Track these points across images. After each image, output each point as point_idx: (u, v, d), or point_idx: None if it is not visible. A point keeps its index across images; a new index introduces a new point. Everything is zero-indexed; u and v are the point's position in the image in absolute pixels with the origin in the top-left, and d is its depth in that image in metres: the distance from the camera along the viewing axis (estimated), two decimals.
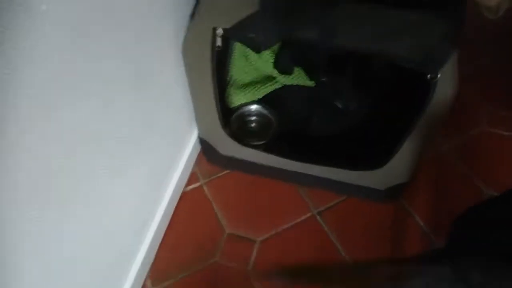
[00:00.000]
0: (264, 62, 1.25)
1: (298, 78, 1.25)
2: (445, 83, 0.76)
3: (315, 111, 1.24)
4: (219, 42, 0.83)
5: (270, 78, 1.26)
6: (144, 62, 0.78)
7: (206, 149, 1.19)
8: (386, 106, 1.12)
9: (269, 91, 1.24)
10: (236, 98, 1.22)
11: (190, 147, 1.16)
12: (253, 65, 1.26)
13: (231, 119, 1.20)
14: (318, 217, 1.11)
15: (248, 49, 1.21)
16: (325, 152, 1.14)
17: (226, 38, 0.82)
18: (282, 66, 1.23)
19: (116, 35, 0.65)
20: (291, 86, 1.25)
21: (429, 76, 0.76)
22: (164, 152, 1.00)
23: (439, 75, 0.75)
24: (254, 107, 1.23)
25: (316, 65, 1.20)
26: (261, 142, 1.17)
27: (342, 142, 1.17)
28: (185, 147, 1.15)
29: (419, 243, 1.06)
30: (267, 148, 1.13)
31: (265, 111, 1.23)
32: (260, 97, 1.23)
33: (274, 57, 1.24)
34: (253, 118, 1.24)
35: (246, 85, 1.24)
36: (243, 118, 1.23)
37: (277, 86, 1.24)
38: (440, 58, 0.73)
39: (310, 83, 1.25)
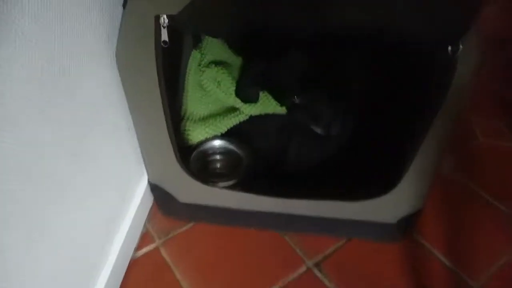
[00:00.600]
0: (224, 90, 1.05)
1: (266, 105, 1.05)
2: (469, 56, 0.58)
3: (290, 141, 1.03)
4: (164, 35, 0.61)
5: (233, 109, 1.05)
6: (63, 75, 0.55)
7: (161, 198, 0.92)
8: (381, 117, 0.93)
9: (234, 124, 1.03)
10: (195, 134, 0.99)
11: (138, 199, 0.89)
12: (211, 96, 1.05)
13: (190, 160, 0.96)
14: (316, 271, 0.85)
15: (204, 76, 1.01)
16: (312, 183, 0.91)
17: (174, 31, 0.61)
18: (245, 93, 1.03)
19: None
20: (260, 115, 1.05)
21: (449, 49, 0.58)
22: (99, 209, 0.73)
23: (461, 47, 0.57)
24: (217, 143, 1.00)
25: (286, 86, 1.00)
26: (231, 182, 0.92)
27: (332, 170, 0.95)
28: (131, 199, 0.88)
29: (446, 285, 0.82)
30: (239, 187, 0.88)
31: (231, 146, 1.00)
32: (224, 131, 1.01)
33: (234, 84, 1.04)
34: (218, 156, 1.01)
35: (205, 118, 1.02)
36: (205, 157, 1.00)
37: (242, 118, 1.03)
38: (462, 25, 0.56)
39: (281, 110, 1.05)
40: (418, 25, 0.56)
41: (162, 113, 0.74)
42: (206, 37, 1.11)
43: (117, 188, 0.81)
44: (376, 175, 0.86)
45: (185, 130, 0.99)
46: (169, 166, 0.84)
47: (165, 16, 0.60)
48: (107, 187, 0.75)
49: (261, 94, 1.05)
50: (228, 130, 1.02)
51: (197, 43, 1.11)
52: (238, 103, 1.03)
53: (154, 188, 0.91)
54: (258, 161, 0.99)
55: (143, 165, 0.90)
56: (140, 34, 0.62)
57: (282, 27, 0.64)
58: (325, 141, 1.02)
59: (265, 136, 1.04)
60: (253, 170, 0.97)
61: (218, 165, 1.00)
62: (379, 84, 0.94)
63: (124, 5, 0.61)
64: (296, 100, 1.01)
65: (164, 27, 0.61)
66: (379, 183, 0.83)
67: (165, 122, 0.76)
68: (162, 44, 0.62)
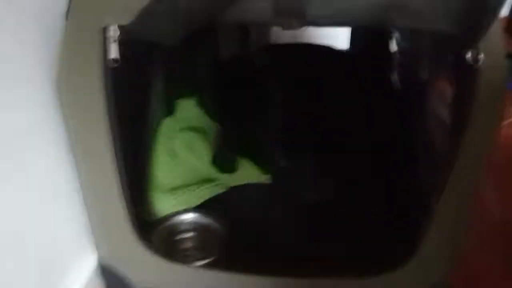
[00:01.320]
0: (199, 158, 0.91)
1: (248, 174, 0.91)
2: (491, 64, 0.47)
3: (276, 211, 0.86)
4: (114, 52, 0.49)
5: (209, 180, 0.90)
6: None
7: (114, 285, 0.71)
8: (384, 171, 0.79)
9: (210, 196, 0.87)
10: (162, 206, 0.82)
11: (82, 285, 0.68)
12: (183, 164, 0.91)
13: (152, 236, 0.78)
14: None
15: (177, 142, 0.88)
16: (305, 259, 0.73)
17: (126, 44, 0.50)
18: (222, 161, 0.90)
19: None
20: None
21: (469, 54, 0.46)
22: None
23: (482, 55, 0.46)
24: (189, 216, 0.83)
25: (268, 147, 0.87)
26: (206, 261, 0.73)
27: (329, 242, 0.77)
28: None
29: None
30: (217, 267, 0.69)
31: (206, 220, 0.83)
32: (197, 204, 0.85)
33: (211, 151, 0.91)
34: (190, 234, 0.83)
35: (175, 189, 0.86)
36: (173, 234, 0.81)
37: (220, 189, 0.88)
38: (480, 23, 0.45)
39: (265, 178, 0.90)
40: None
41: (114, 167, 0.59)
42: (180, 102, 1.00)
43: (49, 274, 0.61)
44: (387, 243, 0.69)
45: (149, 201, 0.82)
46: (125, 242, 0.66)
47: (114, 27, 0.48)
48: (36, 274, 0.56)
49: (243, 161, 0.91)
50: (203, 202, 0.86)
51: (170, 111, 1.00)
52: (215, 173, 0.89)
53: (105, 270, 0.70)
54: (240, 236, 0.80)
55: (91, 241, 0.71)
56: (86, 52, 0.50)
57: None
58: (317, 208, 0.85)
59: (247, 208, 0.87)
60: (233, 247, 0.78)
61: (190, 244, 0.81)
62: (378, 129, 0.82)
63: (66, 15, 0.49)
64: (281, 162, 0.87)
65: (113, 42, 0.49)
66: (391, 254, 0.66)
67: (117, 181, 0.60)
68: (111, 63, 0.50)
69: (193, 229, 0.82)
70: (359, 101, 0.99)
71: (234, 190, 0.89)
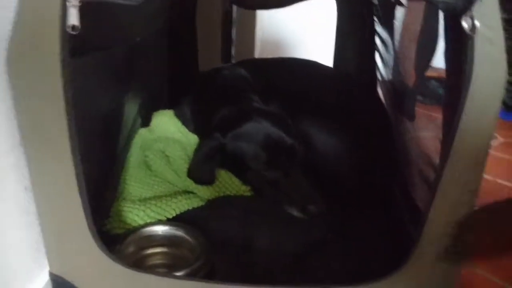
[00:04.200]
0: (174, 169, 0.84)
1: (227, 186, 0.84)
2: (488, 35, 0.43)
3: (259, 228, 0.78)
4: (73, 19, 0.44)
5: (185, 192, 0.83)
6: None
7: None
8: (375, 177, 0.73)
9: (186, 209, 0.79)
10: (132, 217, 0.74)
11: None
12: (157, 176, 0.84)
13: (118, 249, 0.69)
14: None
15: (150, 152, 0.82)
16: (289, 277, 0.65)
17: (87, 13, 0.44)
18: (199, 173, 0.83)
19: None
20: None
21: (465, 22, 0.42)
22: None
23: (476, 23, 0.42)
24: (161, 229, 0.74)
25: (250, 158, 0.81)
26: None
27: (317, 260, 0.70)
28: None
29: None
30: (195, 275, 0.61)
31: (180, 234, 0.74)
32: (171, 216, 0.77)
33: (187, 162, 0.85)
34: (160, 249, 0.74)
35: (148, 199, 0.79)
36: (142, 247, 0.72)
37: (196, 203, 0.80)
38: None
39: (246, 190, 0.84)
40: None
41: (71, 162, 0.52)
42: (157, 113, 0.95)
43: None
44: (377, 254, 0.62)
45: (118, 211, 0.74)
46: (85, 255, 0.58)
47: None
48: None
49: (221, 173, 0.85)
50: (177, 215, 0.78)
51: (146, 123, 0.95)
52: (191, 185, 0.82)
53: (59, 284, 0.61)
54: (217, 253, 0.72)
55: (44, 254, 0.62)
56: (43, 20, 0.45)
57: None
58: (303, 225, 0.78)
59: (226, 223, 0.79)
60: (211, 265, 0.69)
61: (160, 259, 0.73)
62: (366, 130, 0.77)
63: None
64: (265, 172, 0.81)
65: (73, 7, 0.44)
66: (383, 261, 0.59)
67: (76, 185, 0.53)
68: (70, 30, 0.44)
69: (165, 244, 0.73)
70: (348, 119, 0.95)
71: (212, 203, 0.82)
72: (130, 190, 0.80)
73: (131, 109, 0.86)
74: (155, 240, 0.73)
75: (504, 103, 0.46)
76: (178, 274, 0.64)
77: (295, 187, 0.80)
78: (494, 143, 1.20)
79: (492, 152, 1.20)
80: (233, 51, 1.17)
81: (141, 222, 0.74)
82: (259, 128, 0.82)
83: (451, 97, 0.49)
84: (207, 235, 0.73)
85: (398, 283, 0.54)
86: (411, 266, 0.53)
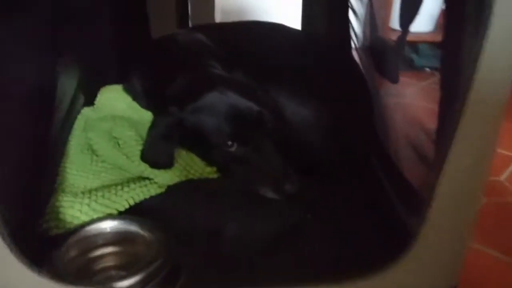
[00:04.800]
0: (125, 153, 0.72)
1: (189, 169, 0.73)
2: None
3: (227, 216, 0.68)
4: None
5: (139, 179, 0.71)
6: None
7: None
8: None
9: (140, 199, 0.67)
10: (73, 213, 0.61)
11: None
12: (104, 161, 0.71)
13: (57, 254, 0.56)
14: None
15: (94, 133, 0.69)
16: (270, 270, 0.55)
17: None
18: (155, 154, 0.71)
19: None
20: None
21: None
22: None
23: None
24: (110, 225, 0.62)
25: (213, 132, 0.70)
26: (133, 281, 0.53)
27: (300, 248, 0.60)
28: None
29: None
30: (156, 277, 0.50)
31: (133, 230, 0.62)
32: (123, 208, 0.65)
33: (141, 144, 0.72)
34: (110, 249, 0.62)
35: (93, 190, 0.66)
36: (87, 249, 0.60)
37: (153, 191, 0.69)
38: None
39: (211, 172, 0.73)
40: None
41: None
42: (103, 90, 0.81)
43: None
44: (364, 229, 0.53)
45: (55, 206, 0.61)
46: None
47: None
48: None
49: (182, 154, 0.73)
50: (131, 207, 0.66)
51: (90, 101, 0.81)
52: (146, 170, 0.70)
53: None
54: (180, 251, 0.61)
55: None
56: None
57: None
58: (279, 207, 0.68)
59: (190, 212, 0.68)
60: (173, 262, 0.58)
61: (111, 261, 0.61)
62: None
63: None
64: (232, 149, 0.69)
65: None
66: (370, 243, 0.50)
67: None
68: None
69: (116, 243, 0.61)
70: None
71: (172, 190, 0.70)
72: (71, 181, 0.67)
73: (67, 84, 0.72)
74: (103, 239, 0.61)
75: None
76: (134, 278, 0.53)
77: (267, 163, 0.70)
78: None
79: None
80: (190, 15, 1.03)
81: (86, 219, 0.61)
82: (222, 98, 0.70)
83: (455, 53, 0.39)
84: (168, 227, 0.62)
85: (395, 278, 0.45)
86: (412, 259, 0.43)
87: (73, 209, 0.61)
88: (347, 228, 0.65)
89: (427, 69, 1.68)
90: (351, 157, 0.79)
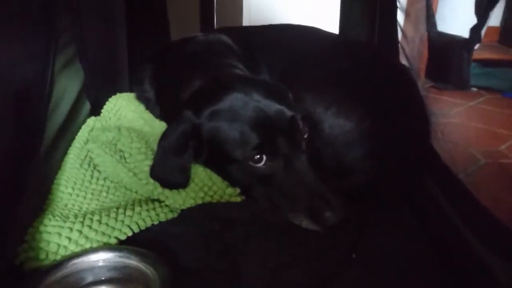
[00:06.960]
0: (131, 168, 0.60)
1: (207, 190, 0.60)
2: None
3: (252, 254, 0.54)
4: None
5: (146, 201, 0.58)
6: None
7: None
8: None
9: (147, 226, 0.55)
10: (58, 240, 0.50)
11: None
12: (104, 178, 0.60)
13: None
14: None
15: (96, 144, 0.58)
16: None
17: None
18: (167, 171, 0.59)
19: None
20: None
21: None
22: None
23: None
24: (101, 257, 0.49)
25: (238, 146, 0.57)
26: None
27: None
28: None
29: None
30: None
31: (131, 263, 0.49)
32: (123, 238, 0.53)
33: (151, 158, 0.60)
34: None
35: (87, 215, 0.54)
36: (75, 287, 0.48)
37: (162, 217, 0.56)
38: None
39: (233, 194, 0.59)
40: None
41: None
42: (112, 98, 0.71)
43: None
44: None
45: (38, 231, 0.49)
46: None
47: None
48: None
49: (198, 170, 0.60)
50: (135, 235, 0.53)
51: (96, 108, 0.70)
52: (155, 190, 0.58)
53: None
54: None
55: None
56: None
57: None
58: (317, 241, 0.54)
59: (205, 244, 0.55)
60: None
61: None
62: None
63: None
64: (259, 164, 0.56)
65: None
66: None
67: None
68: None
69: (110, 281, 0.49)
70: None
71: (185, 216, 0.58)
72: (65, 201, 0.55)
73: (68, 87, 0.62)
74: (94, 276, 0.48)
75: None
76: None
77: (303, 183, 0.56)
78: None
79: None
80: (215, 19, 0.93)
81: (74, 249, 0.49)
82: (246, 100, 0.57)
83: None
84: (175, 263, 0.49)
85: None
86: None
87: (60, 236, 0.49)
88: (403, 272, 0.50)
89: (474, 89, 1.48)
90: (402, 178, 0.65)
